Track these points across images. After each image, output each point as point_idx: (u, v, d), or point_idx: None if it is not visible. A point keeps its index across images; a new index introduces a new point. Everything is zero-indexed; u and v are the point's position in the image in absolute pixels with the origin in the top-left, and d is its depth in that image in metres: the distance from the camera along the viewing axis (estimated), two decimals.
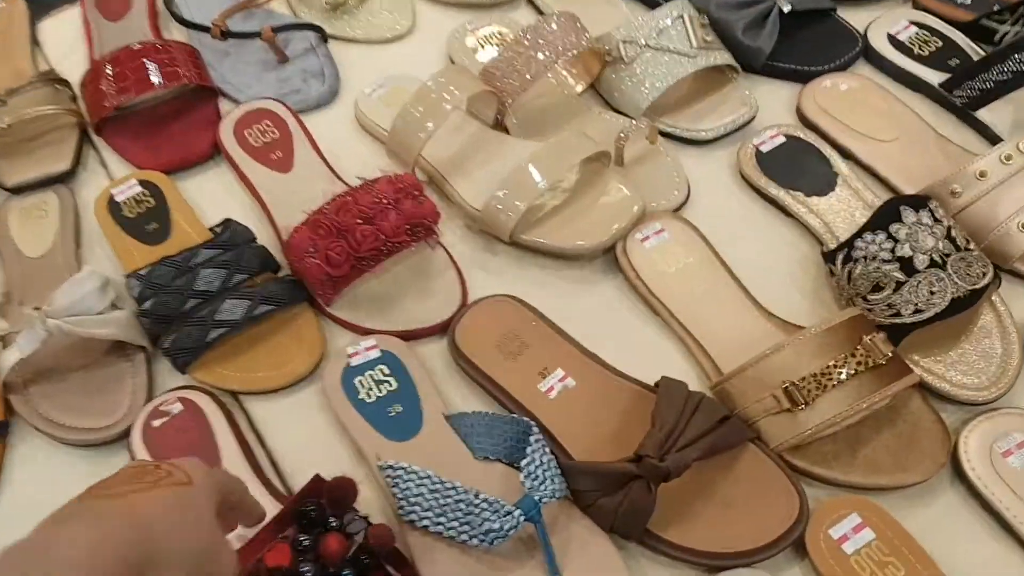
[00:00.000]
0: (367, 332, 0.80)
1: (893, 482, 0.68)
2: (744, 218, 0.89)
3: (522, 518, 0.64)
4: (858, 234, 0.76)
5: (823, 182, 0.88)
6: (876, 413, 0.71)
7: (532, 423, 0.70)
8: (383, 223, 0.77)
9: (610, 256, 0.85)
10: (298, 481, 0.72)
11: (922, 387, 0.74)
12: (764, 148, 0.90)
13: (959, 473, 0.70)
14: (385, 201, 0.78)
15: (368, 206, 0.77)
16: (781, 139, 0.91)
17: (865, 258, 0.75)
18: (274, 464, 0.75)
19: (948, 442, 0.70)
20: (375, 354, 0.77)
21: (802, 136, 0.92)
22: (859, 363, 0.68)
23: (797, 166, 0.89)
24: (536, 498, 0.65)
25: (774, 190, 0.88)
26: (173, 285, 0.79)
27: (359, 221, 0.77)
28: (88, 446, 0.76)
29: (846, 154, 0.91)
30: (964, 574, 0.65)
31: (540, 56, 0.88)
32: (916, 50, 1.00)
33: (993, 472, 0.68)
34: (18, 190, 0.93)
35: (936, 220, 0.75)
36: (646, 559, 0.68)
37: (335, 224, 0.77)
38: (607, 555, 0.66)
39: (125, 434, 0.75)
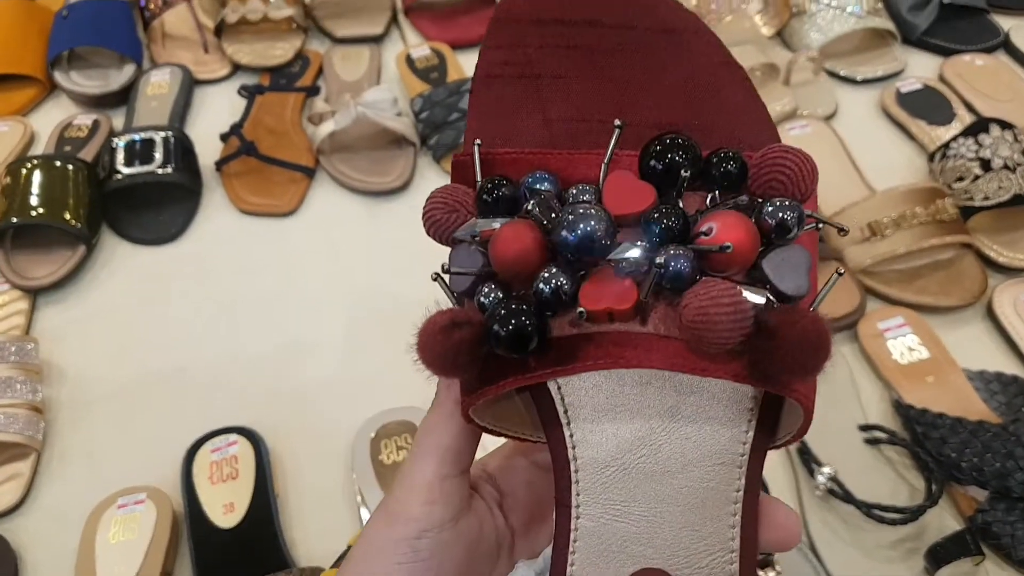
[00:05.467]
0: None
1: (935, 302, 0.90)
2: (874, 134, 1.14)
3: None
4: (954, 138, 0.99)
5: (944, 117, 1.11)
6: (937, 260, 0.93)
7: None
8: None
9: None
10: None
11: (978, 254, 0.95)
12: (904, 90, 1.15)
13: (990, 313, 0.91)
14: None
15: None
16: (919, 85, 1.15)
17: (955, 156, 0.98)
18: None
19: (985, 285, 0.91)
20: None
21: (936, 87, 1.15)
22: (929, 215, 0.91)
23: (927, 105, 1.13)
24: None
25: (903, 118, 1.12)
26: (444, 102, 1.12)
27: None
28: (367, 193, 1.09)
29: (969, 106, 1.14)
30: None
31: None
32: None
33: (1016, 315, 0.89)
34: (342, 40, 1.31)
35: (1016, 140, 0.97)
36: None
37: None
38: None
39: (391, 192, 1.08)
